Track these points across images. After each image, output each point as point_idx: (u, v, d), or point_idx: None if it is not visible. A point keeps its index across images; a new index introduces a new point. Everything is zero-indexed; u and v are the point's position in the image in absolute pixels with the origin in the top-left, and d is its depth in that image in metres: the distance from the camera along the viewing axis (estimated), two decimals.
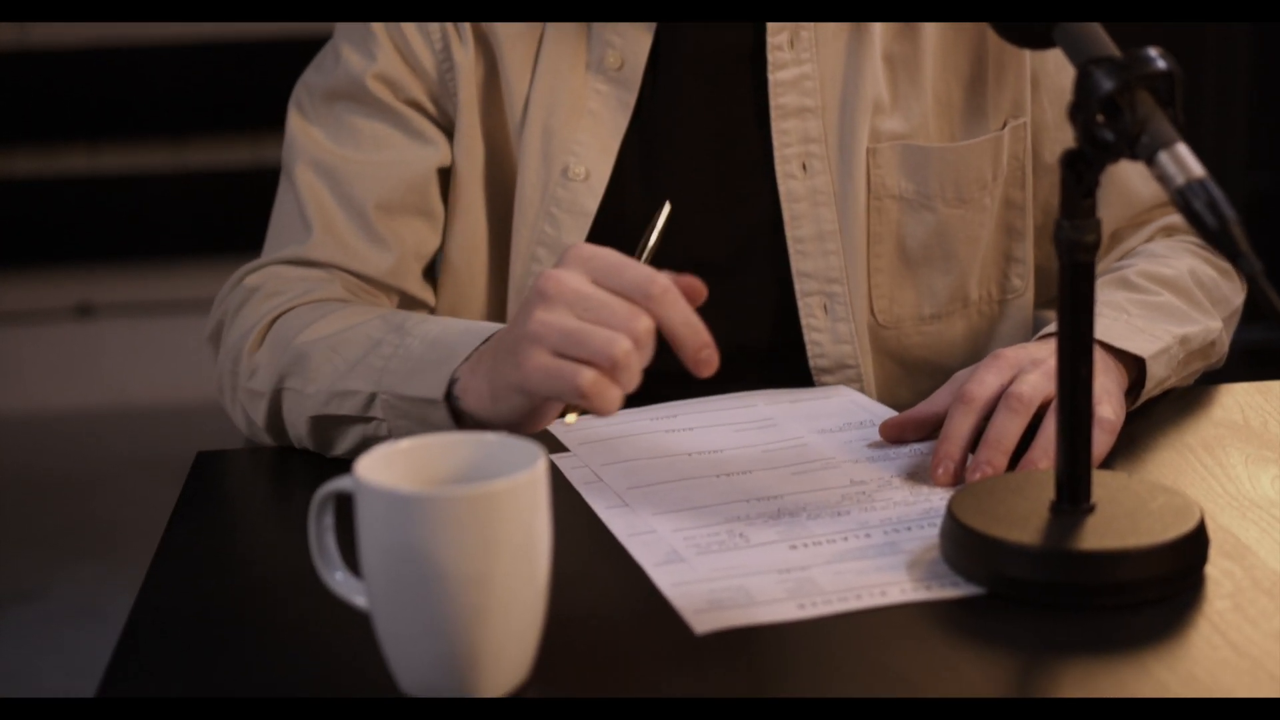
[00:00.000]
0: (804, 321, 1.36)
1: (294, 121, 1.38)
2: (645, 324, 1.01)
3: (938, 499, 1.13)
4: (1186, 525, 1.01)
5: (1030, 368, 1.18)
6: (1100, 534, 1.00)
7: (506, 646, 0.89)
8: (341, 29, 1.38)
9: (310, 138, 1.36)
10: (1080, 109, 0.96)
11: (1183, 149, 0.93)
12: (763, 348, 1.38)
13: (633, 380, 1.01)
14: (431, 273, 1.41)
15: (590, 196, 1.35)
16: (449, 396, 1.14)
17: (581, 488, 1.17)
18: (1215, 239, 0.91)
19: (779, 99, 1.35)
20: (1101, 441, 1.16)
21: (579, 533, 1.10)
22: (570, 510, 1.13)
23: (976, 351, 1.40)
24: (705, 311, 1.03)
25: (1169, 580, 1.00)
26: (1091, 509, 1.03)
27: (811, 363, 1.37)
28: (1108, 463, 1.17)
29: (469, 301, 1.39)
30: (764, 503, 1.14)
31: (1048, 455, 1.13)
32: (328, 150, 1.35)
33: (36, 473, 3.49)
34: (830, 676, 0.93)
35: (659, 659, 0.95)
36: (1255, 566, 1.03)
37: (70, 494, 3.39)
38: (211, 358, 1.34)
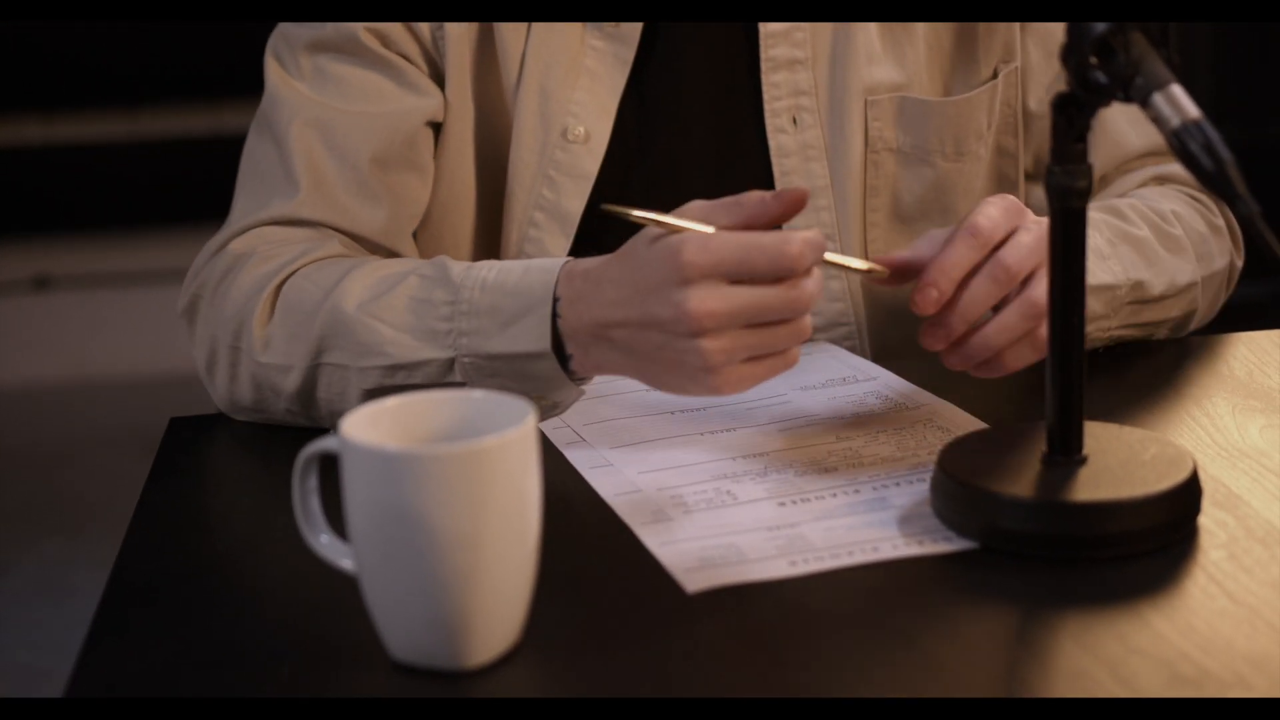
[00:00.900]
0: None
1: (274, 73, 1.31)
2: (809, 293, 1.01)
3: (925, 454, 1.12)
4: (1180, 475, 1.00)
5: (1032, 225, 1.12)
6: (1094, 485, 0.99)
7: (498, 608, 0.88)
8: None
9: (295, 90, 1.29)
10: (1072, 51, 0.94)
11: (1178, 90, 0.91)
12: None
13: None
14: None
15: (591, 159, 1.31)
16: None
17: (564, 448, 1.15)
18: (1212, 181, 0.90)
19: (770, 51, 1.33)
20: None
21: (564, 493, 1.08)
22: (554, 471, 1.10)
23: None
24: None
25: (1163, 531, 0.99)
26: (1084, 460, 1.01)
27: None
28: (1098, 415, 1.15)
29: None
30: (750, 460, 1.12)
31: (1001, 335, 1.11)
32: (317, 102, 1.29)
33: None
34: (825, 634, 0.92)
35: (652, 619, 0.93)
36: (1248, 516, 1.02)
37: (32, 469, 3.35)
38: (186, 331, 1.27)
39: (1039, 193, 1.40)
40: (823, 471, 1.10)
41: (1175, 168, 1.38)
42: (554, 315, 1.09)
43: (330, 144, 1.28)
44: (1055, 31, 1.37)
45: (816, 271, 1.03)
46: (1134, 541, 0.98)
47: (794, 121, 1.33)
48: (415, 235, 1.34)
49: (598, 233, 1.31)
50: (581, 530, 1.04)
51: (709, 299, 1.01)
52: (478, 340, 1.12)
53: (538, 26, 1.30)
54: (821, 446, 1.14)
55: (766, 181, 1.34)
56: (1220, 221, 1.36)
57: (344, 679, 0.88)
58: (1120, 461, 1.02)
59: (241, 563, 1.05)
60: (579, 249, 1.31)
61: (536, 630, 0.91)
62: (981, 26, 1.36)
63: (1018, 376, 1.22)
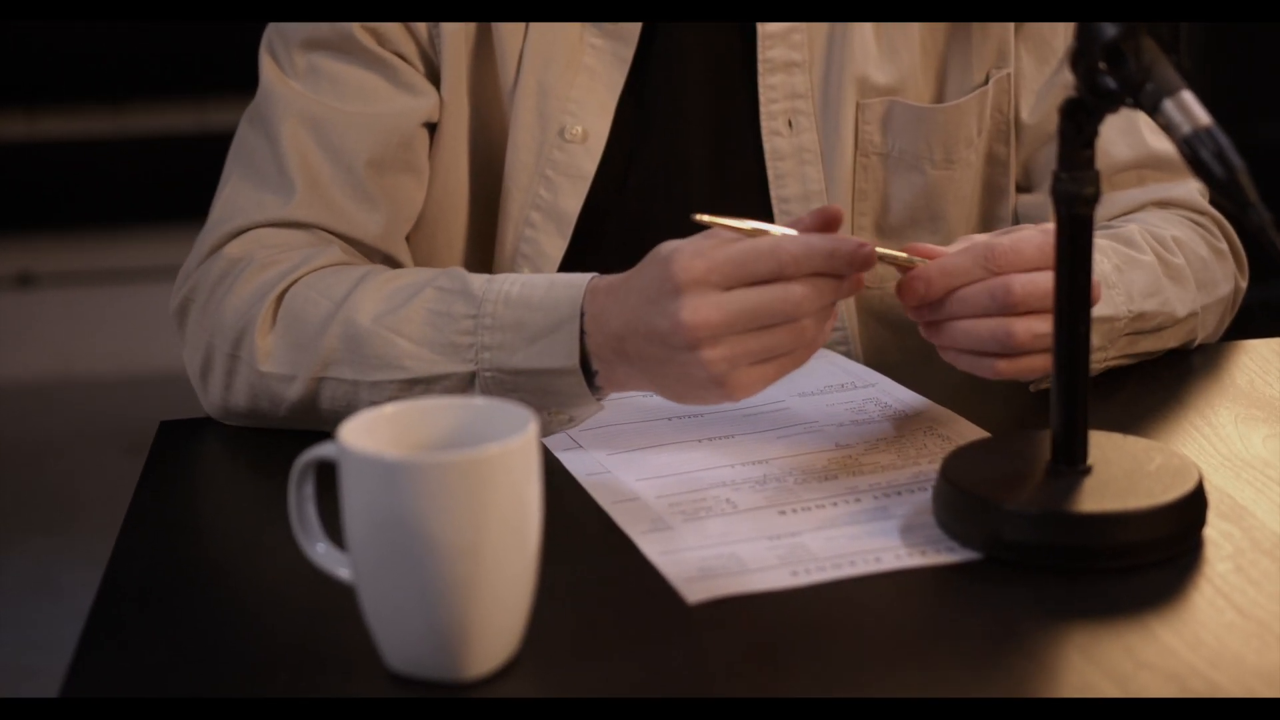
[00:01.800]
0: None
1: (269, 69, 1.28)
2: (800, 294, 1.00)
3: (926, 463, 1.11)
4: (1185, 486, 0.99)
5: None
6: (1099, 496, 0.98)
7: (497, 619, 0.86)
8: None
9: (289, 87, 1.27)
10: (1082, 56, 0.93)
11: (1188, 96, 0.90)
12: None
13: (829, 327, 1.04)
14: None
15: (588, 159, 1.30)
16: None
17: (561, 455, 1.14)
18: (1223, 189, 0.88)
19: (767, 52, 1.31)
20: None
21: (562, 501, 1.07)
22: (551, 478, 1.09)
23: None
24: None
25: (1170, 542, 0.98)
26: (1088, 470, 1.00)
27: None
28: (1099, 424, 1.14)
29: (443, 266, 1.33)
30: (749, 467, 1.11)
31: (962, 308, 1.09)
32: (312, 101, 1.26)
33: None
34: (828, 645, 0.91)
35: (652, 630, 0.92)
36: (1254, 528, 1.01)
37: (16, 467, 3.33)
38: (177, 332, 1.25)
39: (1028, 200, 1.38)
40: (823, 479, 1.09)
41: (1175, 191, 1.35)
42: (581, 331, 1.08)
43: (325, 144, 1.25)
44: (1049, 37, 1.36)
45: (821, 282, 1.01)
46: (1140, 553, 0.97)
47: (789, 124, 1.32)
48: (408, 238, 1.32)
49: (594, 233, 1.30)
50: (580, 539, 1.03)
51: (701, 308, 1.00)
52: (501, 355, 1.10)
53: (536, 24, 1.29)
54: (821, 454, 1.13)
55: (762, 184, 1.32)
56: (1223, 245, 1.33)
57: (340, 689, 0.87)
58: (1125, 472, 1.00)
59: (234, 571, 1.03)
60: (575, 249, 1.30)
61: (536, 641, 0.90)
62: (976, 30, 1.34)
63: (1018, 384, 1.22)
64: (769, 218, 1.31)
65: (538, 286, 1.11)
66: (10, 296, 3.75)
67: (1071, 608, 0.93)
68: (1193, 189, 1.35)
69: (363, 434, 0.87)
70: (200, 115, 3.63)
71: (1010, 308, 1.08)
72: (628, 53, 1.30)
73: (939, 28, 1.34)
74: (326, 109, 1.26)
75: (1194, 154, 0.89)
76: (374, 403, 1.13)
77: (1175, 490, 0.98)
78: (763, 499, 1.06)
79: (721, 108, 1.33)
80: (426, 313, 1.13)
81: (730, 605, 0.94)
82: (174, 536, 1.08)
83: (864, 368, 1.28)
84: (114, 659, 0.91)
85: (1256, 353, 1.30)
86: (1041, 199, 1.37)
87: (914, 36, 1.33)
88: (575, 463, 1.13)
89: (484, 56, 1.30)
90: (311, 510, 0.91)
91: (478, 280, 1.13)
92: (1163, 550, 0.97)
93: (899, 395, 1.23)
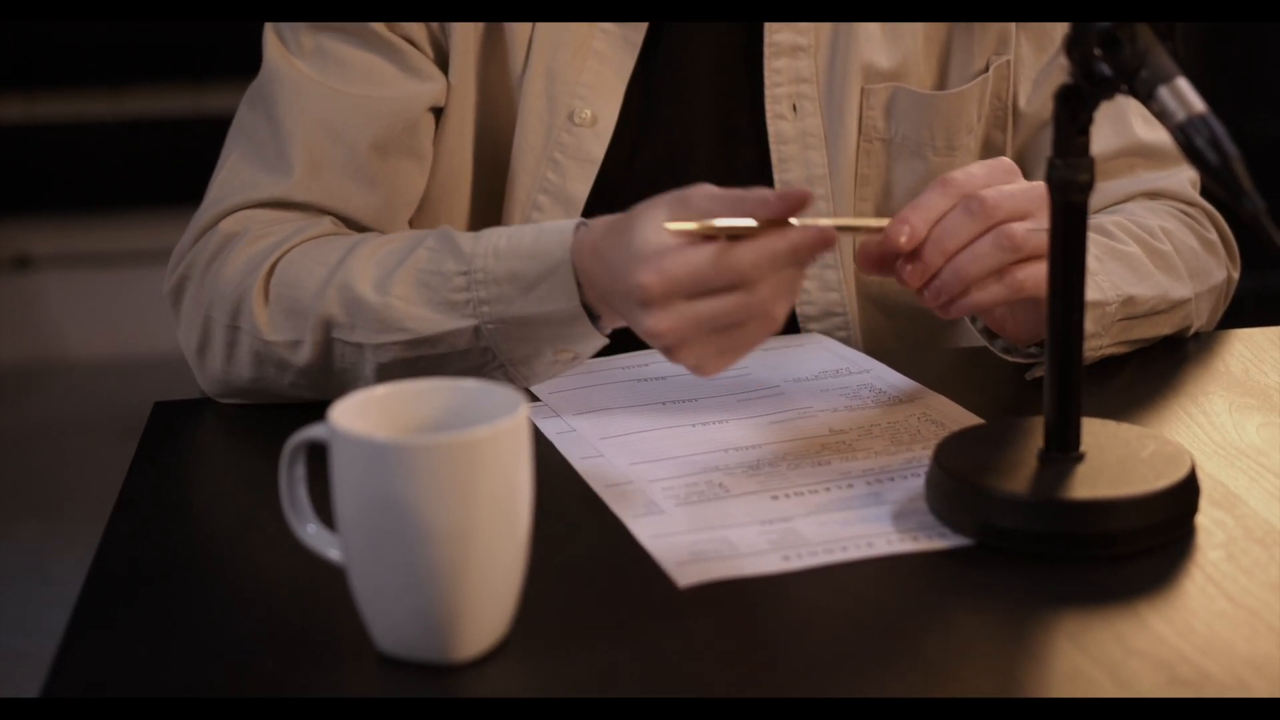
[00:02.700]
0: None
1: (274, 48, 1.27)
2: (763, 297, 1.01)
3: (919, 448, 1.10)
4: (1178, 473, 0.99)
5: (1022, 181, 1.11)
6: (1091, 483, 0.98)
7: (487, 601, 0.86)
8: None
9: (294, 67, 1.26)
10: (1077, 42, 0.92)
11: (1183, 83, 0.90)
12: None
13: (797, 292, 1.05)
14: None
15: (597, 143, 1.30)
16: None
17: (554, 438, 1.14)
18: (1217, 176, 0.88)
19: (773, 36, 1.31)
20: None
21: (554, 484, 1.07)
22: (544, 461, 1.09)
23: None
24: None
25: (1162, 529, 0.98)
26: (1081, 457, 1.00)
27: (799, 309, 1.34)
28: (1092, 411, 1.14)
29: None
30: (741, 452, 1.11)
31: (973, 264, 1.08)
32: (317, 83, 1.25)
33: None
34: (819, 630, 0.91)
35: (643, 613, 0.92)
36: (1246, 516, 1.01)
37: (9, 450, 3.33)
38: (172, 313, 1.25)
39: None
40: (816, 464, 1.08)
41: (1165, 182, 1.34)
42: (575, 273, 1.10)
43: (329, 127, 1.25)
44: (1049, 25, 1.36)
45: (783, 273, 1.01)
46: (1132, 540, 0.96)
47: (794, 109, 1.32)
48: (410, 222, 1.32)
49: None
50: (571, 521, 1.03)
51: (665, 318, 1.02)
52: (499, 307, 1.12)
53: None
54: (814, 439, 1.12)
55: (766, 168, 1.32)
56: (1213, 236, 1.33)
57: (330, 671, 0.87)
58: (1118, 459, 1.00)
59: (226, 552, 1.03)
60: None
61: (526, 623, 0.89)
62: None
63: (1013, 370, 1.22)
64: None
65: (525, 235, 1.12)
66: (7, 279, 3.74)
67: (1062, 594, 0.93)
68: (1183, 180, 1.35)
69: (353, 415, 0.86)
70: (198, 99, 3.62)
71: (991, 216, 1.08)
72: (637, 37, 1.29)
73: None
74: (331, 91, 1.25)
75: (1188, 141, 0.89)
76: (380, 364, 1.15)
77: (1168, 478, 0.98)
78: (755, 483, 1.06)
79: (727, 91, 1.33)
80: (418, 273, 1.15)
81: (721, 589, 0.93)
82: (165, 518, 1.07)
83: (859, 353, 1.28)
84: (102, 643, 0.91)
85: (1251, 341, 1.30)
86: None
87: (917, 23, 1.33)
88: (568, 445, 1.13)
89: (493, 42, 1.29)
90: (302, 491, 0.91)
91: (465, 237, 1.15)
92: (1155, 537, 0.97)
93: (893, 381, 1.22)
